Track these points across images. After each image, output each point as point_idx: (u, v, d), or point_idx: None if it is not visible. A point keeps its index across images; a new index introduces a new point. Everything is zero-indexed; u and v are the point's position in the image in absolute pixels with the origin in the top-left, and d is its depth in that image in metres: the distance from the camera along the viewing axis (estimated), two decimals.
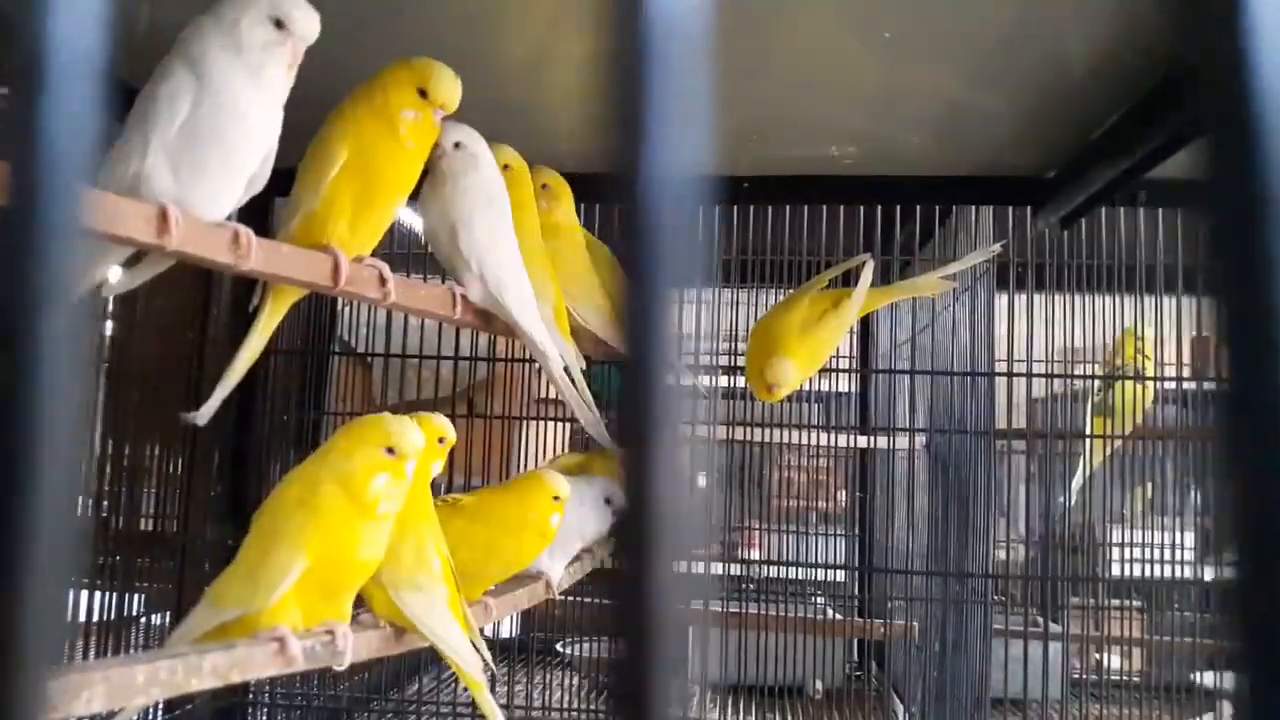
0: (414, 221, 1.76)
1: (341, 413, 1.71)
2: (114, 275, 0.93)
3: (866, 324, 2.33)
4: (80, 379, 0.24)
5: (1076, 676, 2.07)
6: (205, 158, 0.83)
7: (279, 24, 0.84)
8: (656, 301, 0.20)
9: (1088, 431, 1.82)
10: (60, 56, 0.23)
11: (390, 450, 0.94)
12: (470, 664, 1.04)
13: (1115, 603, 2.14)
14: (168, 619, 1.48)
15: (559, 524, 1.21)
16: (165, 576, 1.53)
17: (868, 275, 1.41)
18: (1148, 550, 2.09)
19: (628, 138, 0.20)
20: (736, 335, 1.97)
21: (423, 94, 0.99)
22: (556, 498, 1.20)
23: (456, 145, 1.08)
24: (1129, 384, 1.72)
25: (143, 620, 1.50)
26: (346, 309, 1.71)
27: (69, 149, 0.23)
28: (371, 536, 0.93)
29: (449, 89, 0.99)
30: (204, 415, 0.98)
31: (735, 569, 2.36)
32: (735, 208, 1.68)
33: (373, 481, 0.92)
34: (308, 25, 0.85)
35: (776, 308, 1.47)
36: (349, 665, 0.93)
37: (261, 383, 1.57)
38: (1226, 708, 1.81)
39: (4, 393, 0.22)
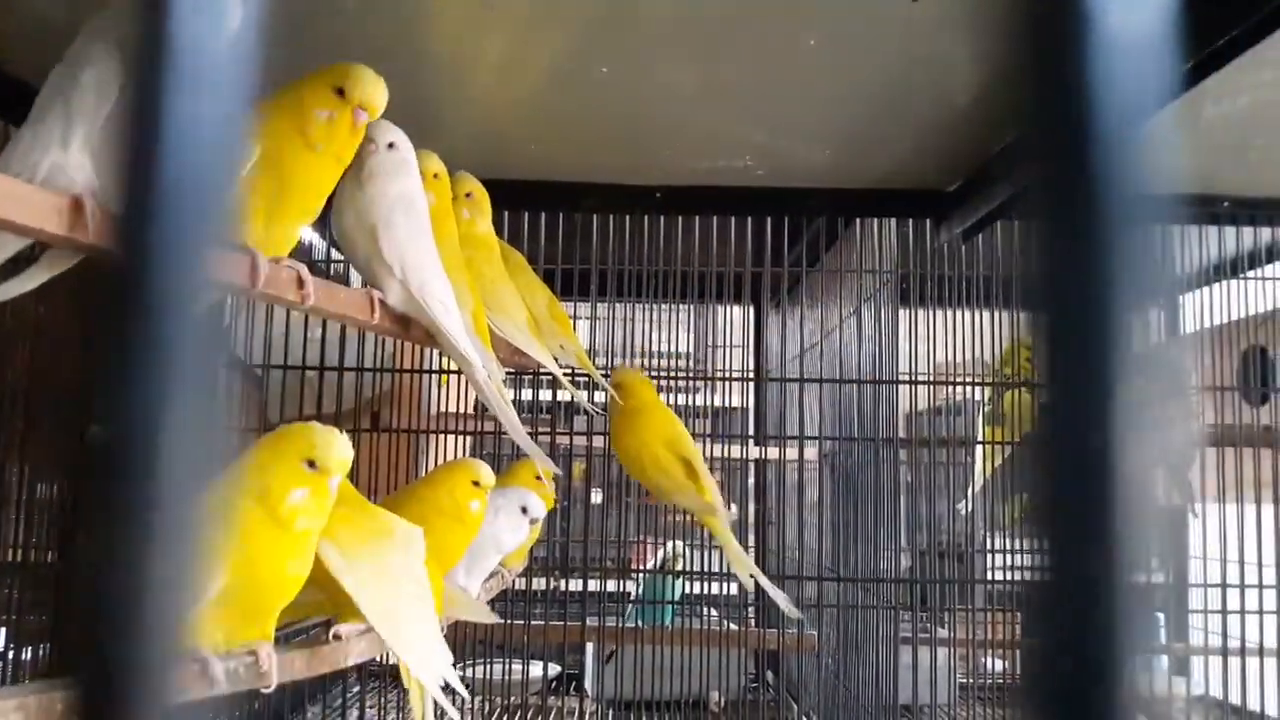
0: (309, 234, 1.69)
1: (234, 429, 1.62)
2: None
3: (759, 335, 2.37)
4: None
5: (963, 681, 2.14)
6: None
7: None
8: None
9: (979, 440, 1.89)
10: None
11: (311, 464, 0.89)
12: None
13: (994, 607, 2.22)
14: (43, 651, 1.37)
15: (479, 511, 1.18)
16: (37, 608, 1.41)
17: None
18: (1022, 557, 2.18)
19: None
20: (632, 350, 1.97)
21: (340, 93, 0.95)
22: (476, 483, 1.17)
23: (390, 145, 1.04)
24: (1020, 393, 1.79)
25: (10, 655, 1.39)
26: (236, 320, 1.62)
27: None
28: (293, 553, 0.88)
29: (368, 89, 0.95)
30: None
31: (630, 585, 2.36)
32: (646, 218, 1.68)
33: (289, 496, 0.87)
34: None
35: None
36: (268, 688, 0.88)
37: None
38: None
39: None
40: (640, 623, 1.99)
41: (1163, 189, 0.19)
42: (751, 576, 1.56)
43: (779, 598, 1.58)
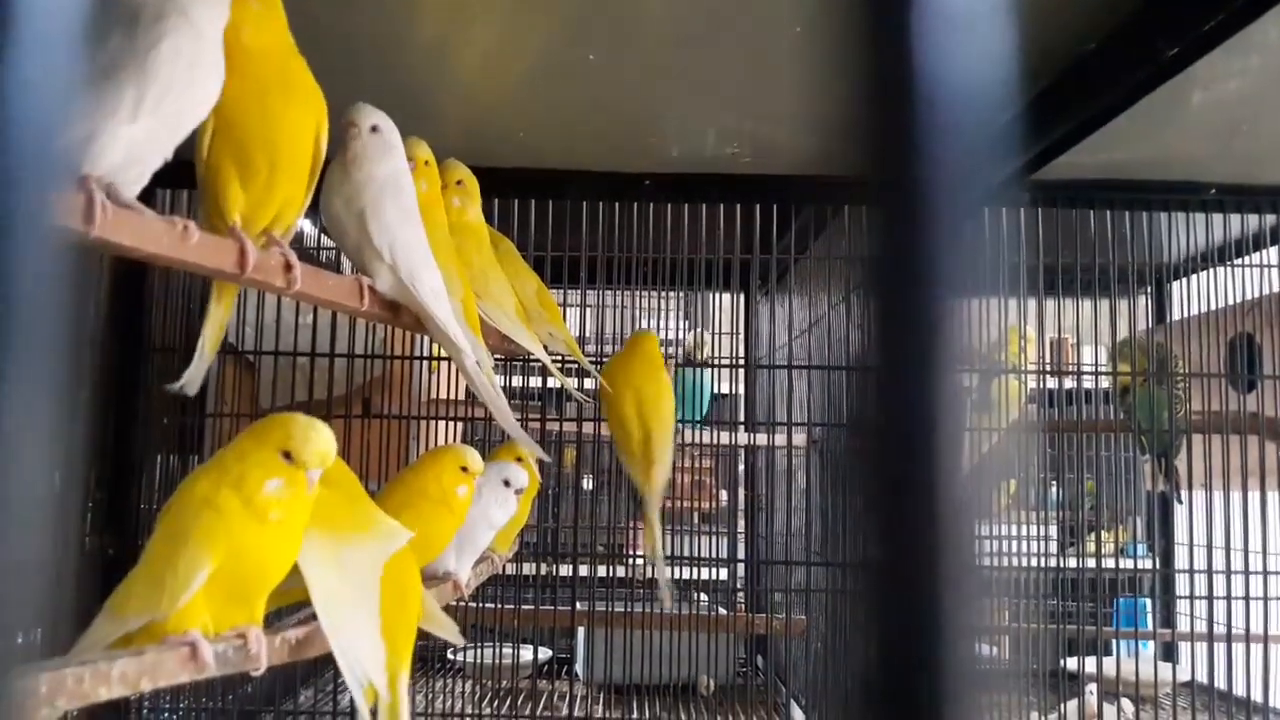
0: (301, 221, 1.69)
1: (226, 415, 1.63)
2: None
3: (749, 322, 2.38)
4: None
5: None
6: (177, 123, 0.77)
7: None
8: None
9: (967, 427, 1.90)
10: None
11: (288, 455, 0.89)
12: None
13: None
14: (37, 636, 1.37)
15: (466, 497, 1.18)
16: None
17: None
18: (1012, 543, 2.19)
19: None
20: (622, 337, 1.97)
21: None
22: (464, 468, 1.17)
23: (374, 129, 1.04)
24: (1009, 380, 1.80)
25: None
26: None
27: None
28: (276, 539, 0.88)
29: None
30: (192, 384, 0.94)
31: (621, 570, 2.37)
32: (635, 205, 1.68)
33: (264, 487, 0.87)
34: None
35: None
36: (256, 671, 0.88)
37: (140, 384, 1.48)
38: (1090, 692, 1.92)
39: None
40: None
41: (985, 189, 0.19)
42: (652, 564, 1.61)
43: (662, 581, 1.63)
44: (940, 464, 0.19)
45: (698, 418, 2.16)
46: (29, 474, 0.20)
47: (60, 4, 0.20)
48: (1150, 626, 2.03)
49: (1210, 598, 1.83)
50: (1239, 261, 1.88)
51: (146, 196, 1.32)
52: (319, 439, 0.89)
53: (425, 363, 1.86)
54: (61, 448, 0.21)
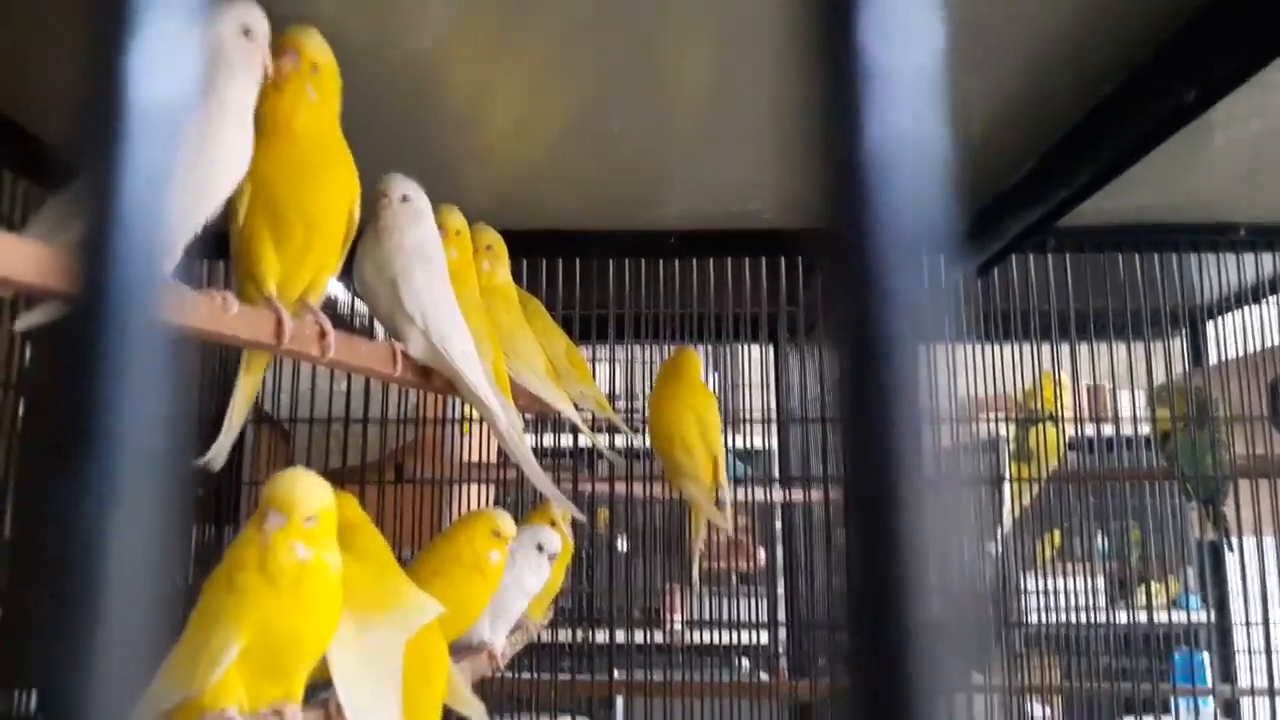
0: (335, 288, 1.72)
1: (261, 483, 1.63)
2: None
3: (778, 375, 2.37)
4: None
5: None
6: (210, 195, 0.79)
7: (247, 33, 0.82)
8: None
9: (1006, 477, 1.87)
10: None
11: (275, 510, 0.85)
12: None
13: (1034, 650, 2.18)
14: None
15: (499, 563, 1.17)
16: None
17: None
18: (1060, 597, 2.15)
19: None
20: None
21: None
22: (497, 533, 1.16)
23: (404, 199, 1.06)
24: (1047, 428, 1.78)
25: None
26: (264, 375, 1.65)
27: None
28: (306, 614, 0.85)
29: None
30: (219, 458, 0.95)
31: (660, 636, 2.33)
32: (661, 262, 1.70)
33: (261, 544, 0.84)
34: (265, 25, 0.84)
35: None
36: None
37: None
38: None
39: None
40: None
41: (932, 245, 0.20)
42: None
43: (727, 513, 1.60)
44: (904, 521, 0.19)
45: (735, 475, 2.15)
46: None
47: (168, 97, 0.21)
48: (1209, 682, 1.96)
49: (1269, 650, 1.77)
50: (1274, 300, 1.86)
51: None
52: (280, 482, 0.87)
53: (457, 425, 1.87)
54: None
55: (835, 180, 0.20)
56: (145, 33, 0.20)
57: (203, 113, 0.79)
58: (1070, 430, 1.89)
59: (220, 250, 0.94)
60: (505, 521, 1.19)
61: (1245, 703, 2.07)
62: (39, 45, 1.04)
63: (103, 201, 0.20)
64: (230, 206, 0.91)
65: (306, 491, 0.87)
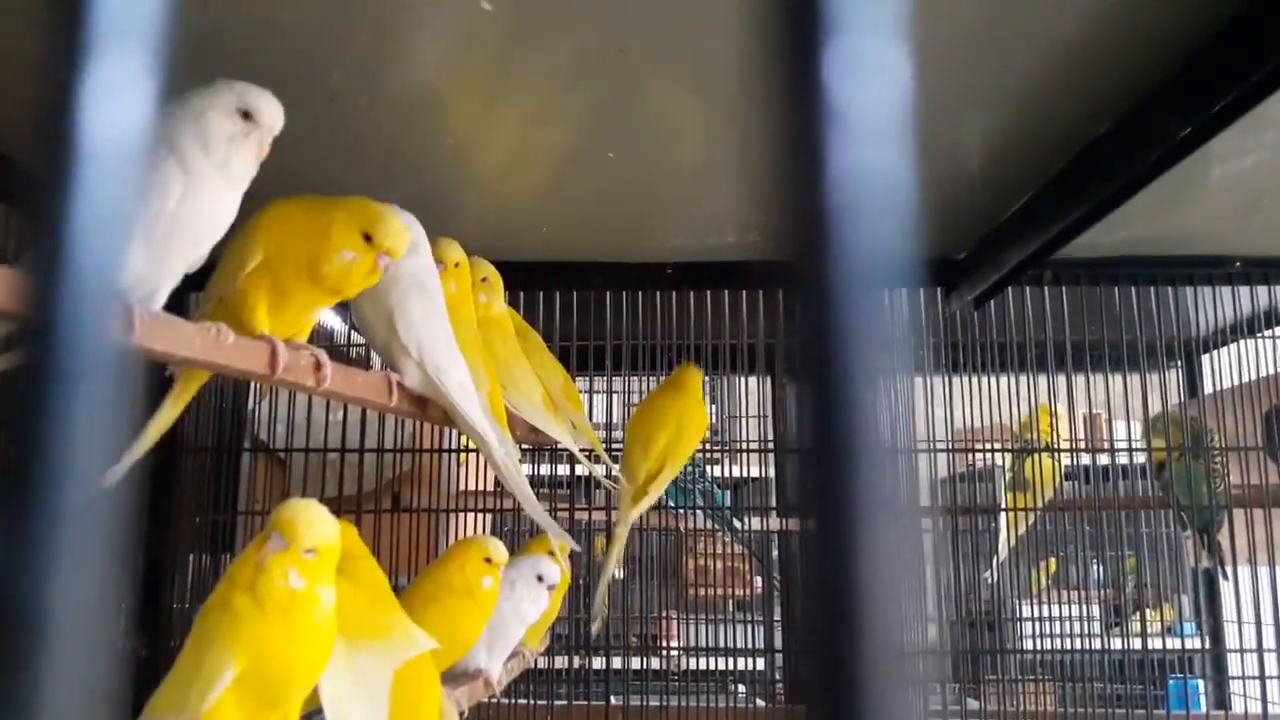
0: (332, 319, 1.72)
1: (258, 512, 1.64)
2: None
3: (775, 405, 2.37)
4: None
5: None
6: (172, 249, 0.80)
7: (246, 115, 0.82)
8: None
9: (1003, 507, 1.87)
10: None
11: (278, 534, 0.86)
12: None
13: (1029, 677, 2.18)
14: None
15: (492, 588, 1.17)
16: None
17: None
18: (1055, 624, 2.15)
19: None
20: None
21: (367, 239, 0.95)
22: (488, 559, 1.16)
23: None
24: (1043, 458, 1.78)
25: None
26: (260, 404, 1.65)
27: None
28: (299, 641, 0.86)
29: (395, 238, 0.94)
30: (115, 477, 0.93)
31: (656, 662, 2.32)
32: (659, 293, 1.70)
33: (258, 566, 0.85)
34: (274, 117, 0.84)
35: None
36: None
37: (173, 484, 1.49)
38: None
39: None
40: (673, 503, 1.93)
41: (889, 277, 0.20)
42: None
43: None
44: (858, 551, 0.19)
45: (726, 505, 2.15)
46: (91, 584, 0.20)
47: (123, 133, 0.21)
48: (1203, 709, 1.96)
49: (1262, 677, 1.77)
50: (1269, 333, 1.87)
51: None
52: (290, 509, 0.88)
53: (454, 455, 1.87)
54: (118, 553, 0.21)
55: (797, 216, 0.21)
56: (99, 68, 0.20)
57: (163, 167, 0.80)
58: (1066, 460, 1.89)
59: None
60: (496, 548, 1.18)
61: None
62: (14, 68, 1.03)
63: (49, 234, 0.20)
64: (225, 269, 0.92)
65: (312, 523, 0.88)
